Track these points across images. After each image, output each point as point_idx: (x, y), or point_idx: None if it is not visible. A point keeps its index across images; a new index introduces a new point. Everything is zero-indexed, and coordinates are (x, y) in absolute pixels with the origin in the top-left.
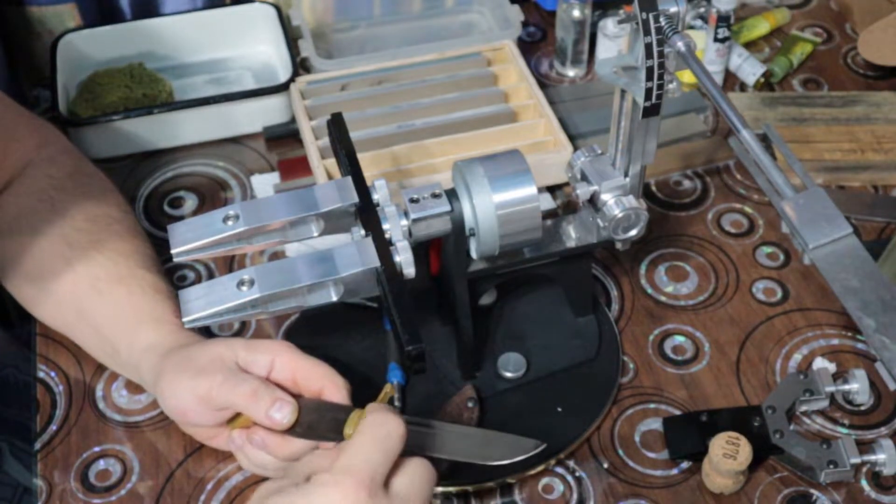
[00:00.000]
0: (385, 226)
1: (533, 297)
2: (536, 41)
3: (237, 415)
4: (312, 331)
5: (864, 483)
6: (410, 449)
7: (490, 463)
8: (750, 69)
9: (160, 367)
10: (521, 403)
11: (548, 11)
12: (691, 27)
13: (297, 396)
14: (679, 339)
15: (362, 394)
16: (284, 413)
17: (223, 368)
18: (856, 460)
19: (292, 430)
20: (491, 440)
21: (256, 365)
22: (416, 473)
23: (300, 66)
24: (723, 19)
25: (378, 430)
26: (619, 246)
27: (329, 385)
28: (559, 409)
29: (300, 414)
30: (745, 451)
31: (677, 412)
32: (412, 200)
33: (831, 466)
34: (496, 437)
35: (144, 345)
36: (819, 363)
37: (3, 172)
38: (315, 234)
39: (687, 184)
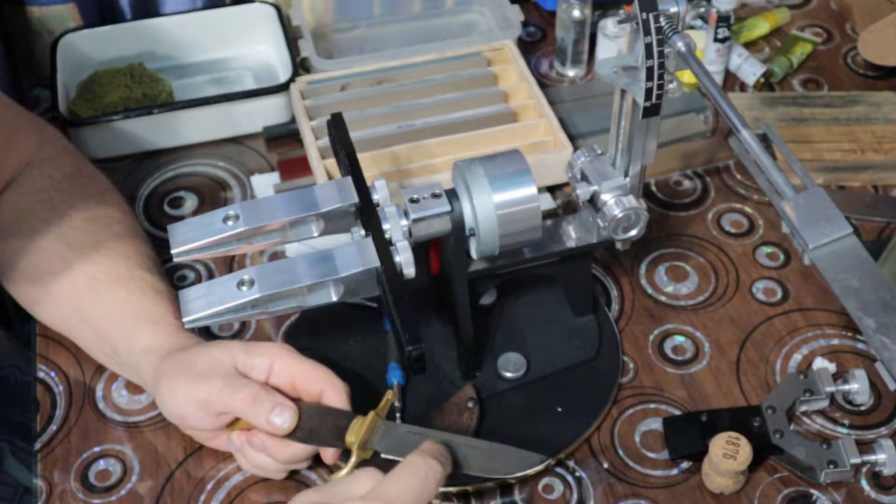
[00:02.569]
0: (385, 226)
1: (533, 297)
2: (536, 41)
3: (237, 418)
4: (312, 331)
5: (864, 483)
6: None
7: (495, 476)
8: (750, 69)
9: (159, 369)
10: (521, 403)
11: (548, 11)
12: (691, 27)
13: (296, 400)
14: (679, 339)
15: (362, 394)
16: (284, 418)
17: (222, 373)
18: (856, 460)
19: (292, 435)
20: (497, 453)
21: (255, 369)
22: None
23: (300, 66)
24: (723, 19)
25: (420, 469)
26: (619, 246)
27: (329, 388)
28: (559, 409)
29: (300, 419)
30: (745, 451)
31: (677, 412)
32: (412, 200)
33: (831, 466)
34: (502, 451)
35: (143, 346)
36: (819, 363)
37: (3, 173)
38: (315, 234)
39: (687, 184)
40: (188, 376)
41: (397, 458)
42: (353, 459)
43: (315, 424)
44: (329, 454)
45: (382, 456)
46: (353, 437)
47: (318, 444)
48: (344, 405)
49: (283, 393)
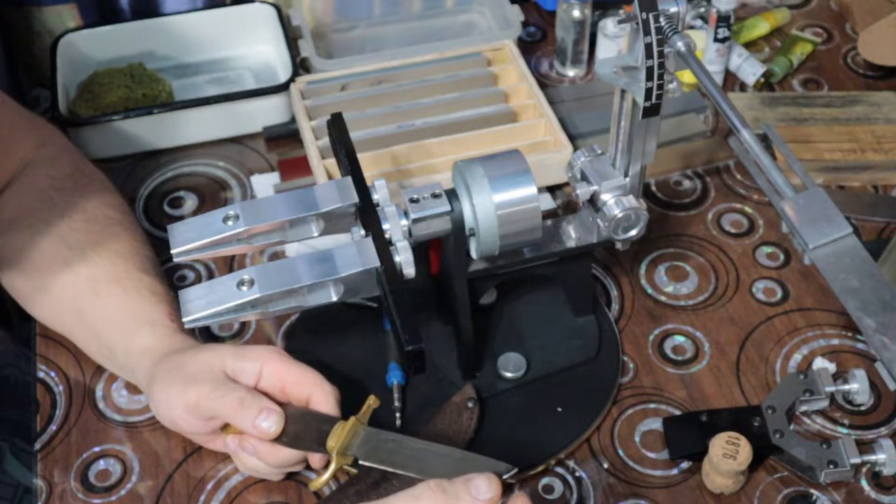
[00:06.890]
0: (385, 226)
1: (533, 297)
2: (536, 41)
3: None
4: (312, 331)
5: (864, 483)
6: (385, 465)
7: None
8: (750, 69)
9: (153, 372)
10: (521, 403)
11: (548, 11)
12: (691, 27)
13: (284, 405)
14: (679, 339)
15: (362, 394)
16: (271, 422)
17: (211, 377)
18: (856, 460)
19: (279, 440)
20: (467, 461)
21: (245, 373)
22: None
23: (300, 66)
24: (723, 19)
25: None
26: (619, 246)
27: (317, 392)
28: (559, 409)
29: (287, 423)
30: (745, 451)
31: (677, 412)
32: (412, 200)
33: (831, 466)
34: (471, 459)
35: (140, 348)
36: (819, 363)
37: (3, 172)
38: (315, 234)
39: (687, 184)
40: (179, 381)
41: (375, 466)
42: (332, 466)
43: (300, 429)
44: (316, 459)
45: (360, 462)
46: (333, 442)
47: (302, 448)
48: (332, 409)
49: (273, 397)
